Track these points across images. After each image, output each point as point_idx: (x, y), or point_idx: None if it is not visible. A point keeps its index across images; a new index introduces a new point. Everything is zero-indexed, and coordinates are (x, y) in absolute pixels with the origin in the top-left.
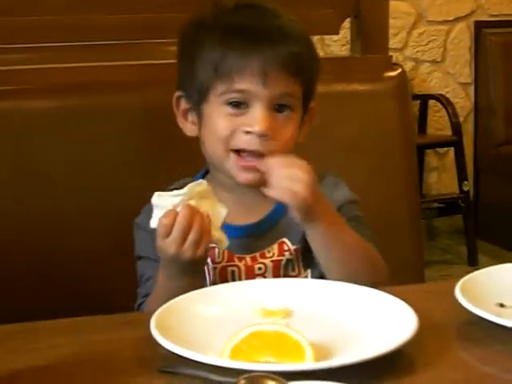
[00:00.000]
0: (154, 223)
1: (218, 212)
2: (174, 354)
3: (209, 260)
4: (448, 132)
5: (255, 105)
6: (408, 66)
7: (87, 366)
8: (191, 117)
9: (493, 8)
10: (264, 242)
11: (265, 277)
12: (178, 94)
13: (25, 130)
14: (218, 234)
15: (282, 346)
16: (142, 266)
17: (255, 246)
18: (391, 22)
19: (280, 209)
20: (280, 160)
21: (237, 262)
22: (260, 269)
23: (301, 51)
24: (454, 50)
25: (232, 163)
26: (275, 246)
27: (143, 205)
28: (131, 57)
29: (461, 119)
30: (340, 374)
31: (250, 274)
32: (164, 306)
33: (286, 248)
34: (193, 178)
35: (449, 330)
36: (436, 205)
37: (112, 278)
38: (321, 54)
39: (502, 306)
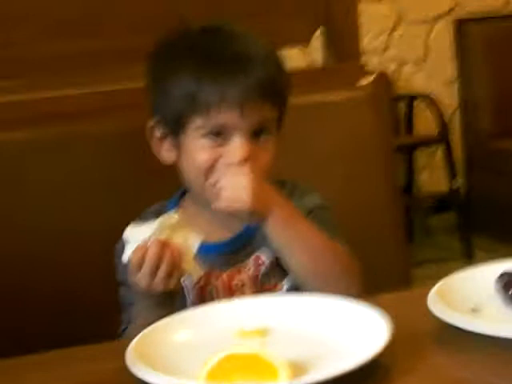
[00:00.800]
0: (125, 258)
1: (191, 243)
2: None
3: (187, 282)
4: (435, 130)
5: (234, 136)
6: (391, 67)
7: None
8: (167, 144)
9: (471, 4)
10: (240, 256)
11: (243, 291)
12: (152, 122)
13: (5, 160)
14: (190, 265)
15: (255, 367)
16: (124, 291)
17: (232, 261)
18: (372, 25)
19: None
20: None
21: (213, 281)
22: (237, 285)
23: (273, 74)
24: (436, 48)
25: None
26: (251, 261)
27: (123, 230)
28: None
29: (447, 117)
30: None
31: (229, 291)
32: (140, 334)
33: (260, 262)
34: (168, 200)
35: (424, 337)
36: (429, 204)
37: (96, 305)
38: None
39: (475, 310)
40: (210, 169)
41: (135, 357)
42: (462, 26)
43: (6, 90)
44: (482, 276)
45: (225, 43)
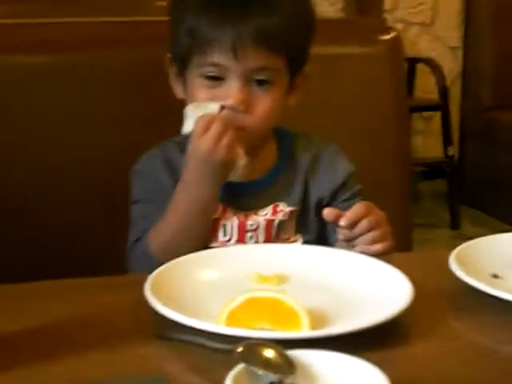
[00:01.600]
0: (187, 129)
1: None
2: (169, 319)
3: None
4: (435, 96)
5: (230, 79)
6: (397, 28)
7: (81, 329)
8: (180, 79)
9: None
10: (259, 201)
11: (256, 234)
12: (168, 55)
13: (12, 85)
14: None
15: (277, 313)
16: (141, 207)
17: (249, 204)
18: None
19: (278, 170)
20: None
21: (229, 216)
22: (252, 225)
23: (279, 23)
24: (444, 13)
25: None
26: (269, 208)
27: (132, 161)
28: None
29: (448, 83)
30: (335, 342)
31: (242, 229)
32: (158, 270)
33: (278, 210)
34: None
35: (442, 300)
36: (421, 168)
37: (100, 240)
38: None
39: (495, 276)
40: None
41: (154, 290)
42: None
43: (18, 13)
44: (503, 243)
45: None
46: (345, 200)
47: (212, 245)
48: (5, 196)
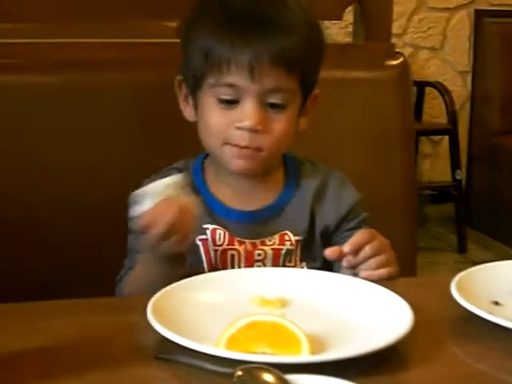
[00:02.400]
0: (140, 210)
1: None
2: (169, 341)
3: (210, 241)
4: (443, 120)
5: (245, 100)
6: (406, 52)
7: (81, 350)
8: (190, 102)
9: None
10: (266, 229)
11: (264, 264)
12: (179, 77)
13: (19, 105)
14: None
15: (278, 337)
16: (133, 239)
17: (256, 232)
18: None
19: (285, 198)
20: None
21: (237, 246)
22: (259, 255)
23: (295, 44)
24: (454, 37)
25: (226, 153)
26: (276, 237)
27: (137, 183)
28: (128, 35)
29: (457, 107)
30: (334, 367)
31: (250, 260)
32: (161, 292)
33: (287, 238)
34: (193, 158)
35: (443, 326)
36: (428, 192)
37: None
38: None
39: (496, 303)
40: (223, 132)
41: (155, 312)
42: (481, 18)
43: (29, 33)
44: (504, 271)
45: (252, 4)
46: (350, 229)
47: None
48: (12, 212)
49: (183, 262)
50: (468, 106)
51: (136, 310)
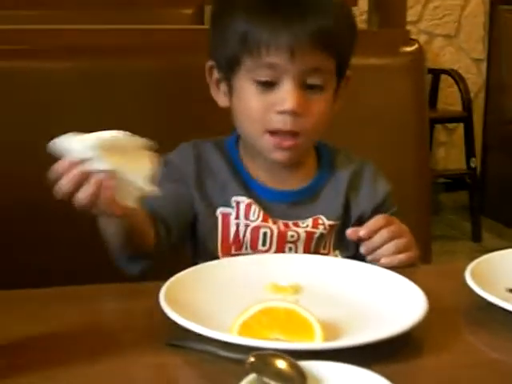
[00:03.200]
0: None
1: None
2: (182, 327)
3: (242, 216)
4: (458, 107)
5: (284, 81)
6: (421, 39)
7: (95, 337)
8: (223, 87)
9: None
10: (299, 212)
11: (296, 246)
12: (210, 63)
13: (37, 90)
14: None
15: (291, 323)
16: None
17: (289, 214)
18: None
19: (320, 183)
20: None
21: (271, 224)
22: (292, 236)
23: (332, 25)
24: (469, 25)
25: (266, 143)
26: (310, 220)
27: None
28: (143, 21)
29: (471, 95)
30: (347, 354)
31: (282, 240)
32: (174, 278)
33: (320, 222)
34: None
35: (457, 314)
36: (442, 180)
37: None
38: None
39: (511, 291)
40: (263, 117)
41: (168, 298)
42: (496, 6)
43: (40, 19)
44: None
45: None
46: None
47: (249, 252)
48: (19, 201)
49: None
50: (483, 93)
51: (149, 296)
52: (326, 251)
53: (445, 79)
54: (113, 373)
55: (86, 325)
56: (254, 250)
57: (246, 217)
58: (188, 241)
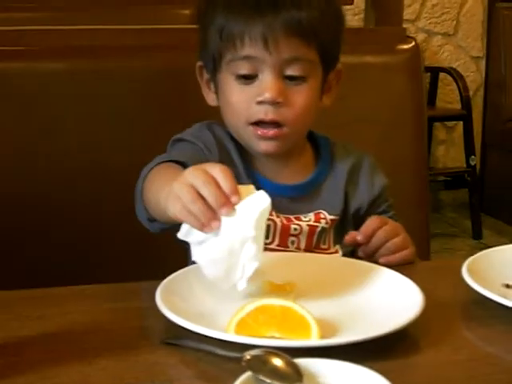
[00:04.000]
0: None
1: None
2: (178, 326)
3: None
4: (457, 105)
5: (263, 73)
6: (420, 37)
7: (90, 336)
8: (212, 87)
9: None
10: (300, 207)
11: (298, 239)
12: (199, 63)
13: (35, 90)
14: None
15: (287, 321)
16: (181, 145)
17: (291, 209)
18: None
19: (320, 177)
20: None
21: (274, 217)
22: (295, 229)
23: (310, 15)
24: (467, 23)
25: (251, 134)
26: (311, 214)
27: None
28: (142, 21)
29: (470, 93)
30: (344, 351)
31: (285, 233)
32: (170, 277)
33: (322, 216)
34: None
35: (454, 309)
36: (442, 178)
37: (114, 240)
38: None
39: (508, 286)
40: (246, 110)
41: (164, 297)
42: (494, 3)
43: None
44: None
45: None
46: (381, 212)
47: None
48: (20, 200)
49: None
50: (482, 91)
51: (145, 295)
52: (326, 246)
53: (444, 77)
54: (109, 372)
55: (82, 324)
56: None
57: None
58: None
